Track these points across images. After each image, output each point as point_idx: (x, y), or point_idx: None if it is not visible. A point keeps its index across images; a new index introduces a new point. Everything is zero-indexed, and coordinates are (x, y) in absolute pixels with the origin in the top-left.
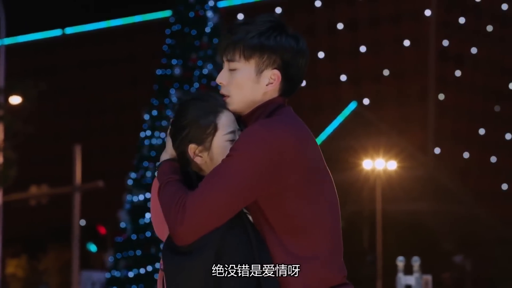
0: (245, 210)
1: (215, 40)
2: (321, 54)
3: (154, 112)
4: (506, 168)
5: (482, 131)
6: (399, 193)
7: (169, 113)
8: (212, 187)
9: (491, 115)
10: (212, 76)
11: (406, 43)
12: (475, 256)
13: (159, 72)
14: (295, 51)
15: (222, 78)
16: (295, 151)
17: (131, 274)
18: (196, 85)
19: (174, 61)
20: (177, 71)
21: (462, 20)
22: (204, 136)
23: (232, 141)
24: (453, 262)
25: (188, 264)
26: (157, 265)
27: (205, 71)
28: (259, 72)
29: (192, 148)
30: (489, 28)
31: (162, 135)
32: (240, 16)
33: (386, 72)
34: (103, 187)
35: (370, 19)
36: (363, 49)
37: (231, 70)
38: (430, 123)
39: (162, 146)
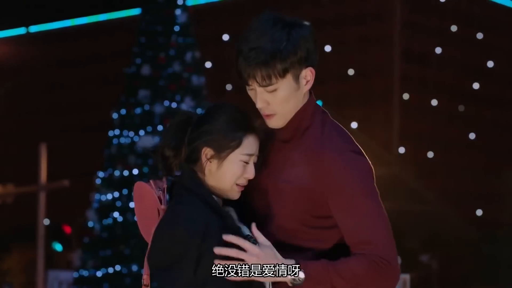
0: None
1: (186, 40)
2: None
3: (123, 111)
4: (470, 167)
5: (446, 131)
6: None
7: (138, 111)
8: (375, 219)
9: (456, 115)
10: (181, 75)
11: (371, 43)
12: (441, 255)
13: (127, 70)
14: (311, 37)
15: (263, 102)
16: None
17: (99, 274)
18: (165, 83)
19: (142, 60)
20: (145, 70)
21: (426, 20)
22: (225, 147)
23: (246, 162)
24: (419, 261)
25: (171, 278)
26: (127, 265)
27: (173, 70)
28: (297, 78)
29: (207, 151)
30: (453, 28)
31: (131, 134)
32: (205, 15)
33: (351, 72)
34: (68, 186)
35: (335, 19)
36: (328, 48)
37: (270, 92)
38: (395, 122)
39: (131, 145)
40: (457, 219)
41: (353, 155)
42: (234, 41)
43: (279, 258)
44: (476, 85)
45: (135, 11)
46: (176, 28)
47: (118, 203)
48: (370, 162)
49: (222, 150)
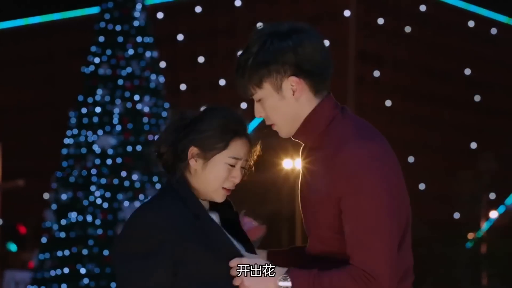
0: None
1: (143, 38)
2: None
3: (82, 110)
4: (423, 168)
5: (401, 131)
6: None
7: (96, 111)
8: (372, 228)
9: (410, 116)
10: (140, 74)
11: (326, 43)
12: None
13: (85, 70)
14: (292, 48)
15: (258, 112)
16: (390, 158)
17: (56, 274)
18: (124, 83)
19: (101, 59)
20: (103, 69)
21: (381, 20)
22: (211, 148)
23: (232, 166)
24: None
25: (148, 267)
26: (85, 265)
27: (131, 70)
28: (278, 88)
29: (193, 150)
30: (408, 29)
31: (89, 133)
32: (160, 15)
33: None
34: (23, 186)
35: (290, 18)
36: None
37: (258, 101)
38: None
39: (89, 144)
40: (411, 219)
41: (365, 153)
42: (188, 41)
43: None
44: (430, 86)
45: (92, 10)
46: (135, 28)
47: (76, 203)
48: (389, 155)
49: (208, 151)
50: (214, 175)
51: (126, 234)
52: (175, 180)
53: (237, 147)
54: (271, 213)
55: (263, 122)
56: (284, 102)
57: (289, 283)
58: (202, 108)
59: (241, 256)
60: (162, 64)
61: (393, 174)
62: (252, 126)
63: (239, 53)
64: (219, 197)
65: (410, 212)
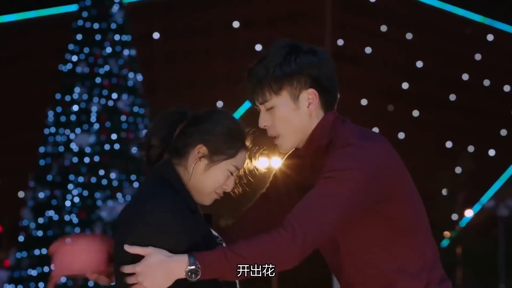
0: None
1: (121, 36)
2: (217, 53)
3: (58, 109)
4: None
5: (376, 130)
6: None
7: (74, 109)
8: (318, 207)
9: (385, 115)
10: (117, 73)
11: (302, 42)
12: None
13: (63, 68)
14: (318, 64)
15: (264, 121)
16: (390, 160)
17: (34, 273)
18: (102, 81)
19: (79, 57)
20: (81, 67)
21: (357, 20)
22: (222, 152)
23: (231, 174)
24: None
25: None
26: None
27: (109, 68)
28: (296, 98)
29: (201, 149)
30: (383, 28)
31: (67, 131)
32: (136, 13)
33: None
34: None
35: (266, 18)
36: (259, 47)
37: (268, 109)
38: None
39: (67, 143)
40: None
41: (352, 150)
42: (165, 39)
43: (169, 259)
44: (405, 85)
45: (70, 8)
46: (113, 26)
47: (54, 202)
48: (387, 156)
49: (217, 154)
50: (213, 179)
51: (146, 235)
52: (170, 175)
53: (241, 157)
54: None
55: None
56: (297, 113)
57: (196, 266)
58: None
59: None
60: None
61: (376, 175)
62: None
63: (260, 58)
64: (209, 201)
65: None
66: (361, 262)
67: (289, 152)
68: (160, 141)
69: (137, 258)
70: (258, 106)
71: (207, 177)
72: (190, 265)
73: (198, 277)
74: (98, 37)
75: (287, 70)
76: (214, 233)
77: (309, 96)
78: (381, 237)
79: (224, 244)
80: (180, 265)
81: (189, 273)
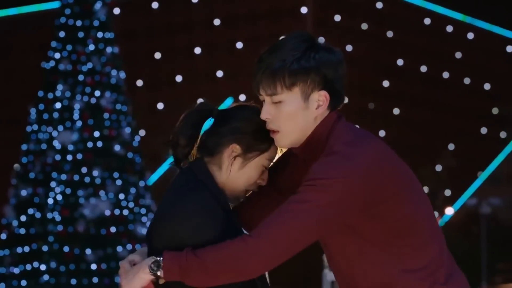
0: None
1: (104, 34)
2: (198, 50)
3: (41, 106)
4: None
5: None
6: None
7: (57, 107)
8: (288, 214)
9: (366, 112)
10: (100, 70)
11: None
12: None
13: (46, 65)
14: (335, 64)
15: (267, 113)
16: (379, 164)
17: (16, 271)
18: (85, 78)
19: (61, 54)
20: (65, 64)
21: (337, 17)
22: (256, 148)
23: (266, 169)
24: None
25: None
26: (45, 261)
27: (92, 65)
28: (306, 97)
29: (235, 148)
30: (364, 26)
31: (49, 129)
32: (117, 11)
33: None
34: None
35: (247, 15)
36: (240, 45)
37: (275, 103)
38: None
39: (49, 140)
40: None
41: (334, 159)
42: (146, 37)
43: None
44: (386, 83)
45: (52, 5)
46: (96, 23)
47: (36, 200)
48: (376, 153)
49: (251, 151)
50: (248, 176)
51: (184, 234)
52: (203, 174)
53: (274, 150)
54: None
55: None
56: (304, 113)
57: (160, 260)
58: (243, 98)
59: None
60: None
61: (361, 182)
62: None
63: (275, 47)
64: (241, 198)
65: (430, 204)
66: (360, 265)
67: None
68: (187, 140)
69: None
70: (263, 96)
71: (242, 175)
72: (155, 258)
73: (159, 273)
74: (81, 34)
75: (305, 65)
76: (246, 232)
77: (320, 98)
78: (380, 239)
79: None
80: (149, 259)
81: (151, 265)
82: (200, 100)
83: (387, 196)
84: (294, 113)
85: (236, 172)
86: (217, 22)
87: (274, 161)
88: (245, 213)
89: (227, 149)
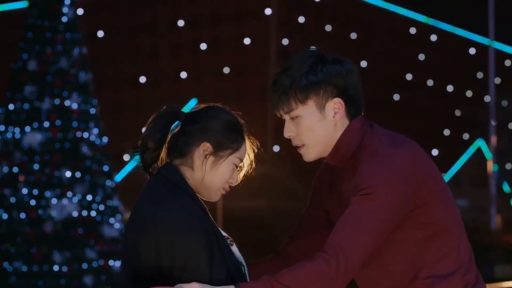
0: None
1: (71, 35)
2: (161, 51)
3: (9, 106)
4: None
5: None
6: (239, 190)
7: (24, 107)
8: (358, 227)
9: None
10: (68, 71)
11: (247, 41)
12: None
13: (13, 66)
14: (344, 73)
15: (289, 131)
16: (422, 164)
17: None
18: (52, 79)
19: (28, 55)
20: (32, 65)
21: (302, 19)
22: (226, 147)
23: (236, 166)
24: None
25: None
26: (12, 262)
27: (61, 66)
28: (322, 107)
29: (206, 147)
30: (328, 28)
31: (16, 129)
32: (80, 11)
33: (226, 70)
34: None
35: (211, 16)
36: (203, 46)
37: (293, 119)
38: (270, 121)
39: (17, 141)
40: None
41: (383, 162)
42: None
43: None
44: None
45: (20, 4)
46: (63, 24)
47: (3, 201)
48: (413, 155)
49: (222, 150)
50: (221, 175)
51: (167, 239)
52: (175, 176)
53: (243, 149)
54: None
55: None
56: (323, 123)
57: None
58: (196, 106)
59: (234, 256)
60: None
61: (408, 183)
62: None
63: (284, 68)
64: (217, 197)
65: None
66: (392, 269)
67: (322, 166)
68: (156, 144)
69: (156, 269)
70: (283, 116)
71: (215, 174)
72: None
73: None
74: (49, 34)
75: (314, 79)
76: (224, 233)
77: (335, 106)
78: (413, 242)
79: (234, 246)
80: None
81: None
82: (164, 102)
83: (427, 198)
84: (312, 125)
85: (209, 170)
86: (181, 23)
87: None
88: (303, 240)
89: (198, 148)
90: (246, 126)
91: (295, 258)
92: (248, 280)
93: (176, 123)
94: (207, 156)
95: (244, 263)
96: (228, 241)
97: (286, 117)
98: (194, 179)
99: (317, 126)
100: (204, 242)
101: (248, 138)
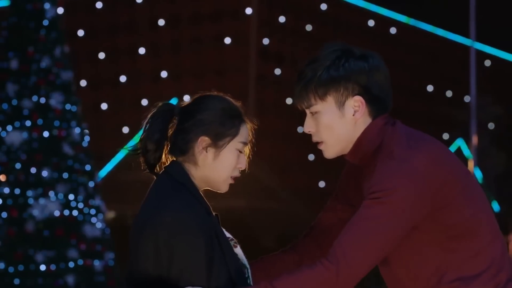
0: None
1: (53, 33)
2: (142, 50)
3: None
4: (323, 165)
5: (300, 129)
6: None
7: (6, 107)
8: (365, 233)
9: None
10: (50, 70)
11: (227, 40)
12: None
13: None
14: (368, 71)
15: (309, 127)
16: (440, 167)
17: None
18: (34, 78)
19: (10, 54)
20: (13, 64)
21: (282, 19)
22: (224, 135)
23: (240, 152)
24: None
25: None
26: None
27: (42, 65)
28: (341, 105)
29: (204, 140)
30: (308, 27)
31: None
32: (60, 10)
33: (207, 69)
34: None
35: (191, 16)
36: (186, 45)
37: (313, 114)
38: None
39: None
40: (310, 216)
41: (398, 159)
42: (89, 37)
43: None
44: None
45: (1, 3)
46: (45, 22)
47: None
48: (432, 158)
49: (220, 139)
50: (226, 164)
51: (168, 238)
52: (181, 176)
53: (244, 131)
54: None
55: None
56: (342, 121)
57: None
58: (187, 98)
59: (237, 258)
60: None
61: (425, 186)
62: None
63: (309, 62)
64: (227, 187)
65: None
66: (417, 272)
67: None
68: (156, 145)
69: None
70: (304, 110)
71: (219, 164)
72: None
73: None
74: (30, 33)
75: (334, 74)
76: (228, 234)
77: (355, 104)
78: (437, 245)
79: (238, 247)
80: None
81: None
82: (144, 101)
83: (449, 199)
84: (331, 122)
85: (212, 163)
86: (161, 22)
87: (247, 145)
88: (328, 235)
89: (197, 144)
90: (242, 107)
91: (312, 253)
92: (251, 282)
93: (173, 120)
94: (207, 149)
95: (247, 266)
96: (232, 242)
97: (307, 112)
98: (200, 174)
99: (336, 124)
100: (204, 242)
101: (247, 119)
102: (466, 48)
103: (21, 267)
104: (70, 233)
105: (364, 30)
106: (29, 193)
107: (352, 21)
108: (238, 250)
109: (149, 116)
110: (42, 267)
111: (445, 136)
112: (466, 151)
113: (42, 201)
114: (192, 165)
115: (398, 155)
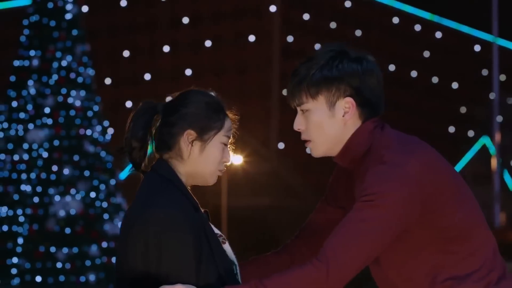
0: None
1: (74, 31)
2: (165, 48)
3: (11, 104)
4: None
5: None
6: (243, 188)
7: (27, 105)
8: (355, 235)
9: None
10: (71, 68)
11: (250, 38)
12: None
13: (16, 63)
14: (361, 74)
15: (298, 124)
16: (432, 171)
17: None
18: (55, 77)
19: (31, 52)
20: (34, 62)
21: (305, 16)
22: (210, 128)
23: (225, 145)
24: None
25: None
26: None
27: (63, 63)
28: (332, 105)
29: (190, 134)
30: (332, 25)
31: (20, 127)
32: (85, 9)
33: (228, 67)
34: None
35: (213, 14)
36: (207, 43)
37: (304, 112)
38: (274, 118)
39: (20, 138)
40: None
41: (390, 163)
42: (109, 35)
43: None
44: None
45: (23, 2)
46: (67, 19)
47: (6, 198)
48: (423, 162)
49: (206, 132)
50: (212, 157)
51: (156, 235)
52: (168, 173)
53: (228, 125)
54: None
55: None
56: (331, 121)
57: None
58: (168, 97)
59: (225, 255)
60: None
61: (415, 191)
62: None
63: (305, 61)
64: (213, 180)
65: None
66: (410, 273)
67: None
68: (140, 142)
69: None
70: (295, 108)
71: (206, 157)
72: None
73: None
74: (51, 31)
75: (327, 74)
76: (216, 230)
77: (346, 105)
78: (430, 247)
79: (227, 244)
80: None
81: None
82: (168, 99)
83: (440, 204)
84: (320, 122)
85: (198, 156)
86: (186, 20)
87: (230, 138)
88: (318, 236)
89: (183, 137)
90: (224, 101)
91: (303, 254)
92: (239, 279)
93: (156, 117)
94: (193, 143)
95: (236, 262)
96: (221, 239)
97: (298, 109)
98: (187, 169)
99: (325, 123)
100: (192, 239)
101: (230, 113)
102: (489, 45)
103: (41, 265)
104: (91, 230)
105: (388, 27)
106: (51, 191)
107: (376, 18)
108: (226, 247)
109: (131, 115)
110: (65, 265)
111: (470, 133)
112: (492, 148)
113: (63, 199)
114: (179, 161)
115: (390, 159)
